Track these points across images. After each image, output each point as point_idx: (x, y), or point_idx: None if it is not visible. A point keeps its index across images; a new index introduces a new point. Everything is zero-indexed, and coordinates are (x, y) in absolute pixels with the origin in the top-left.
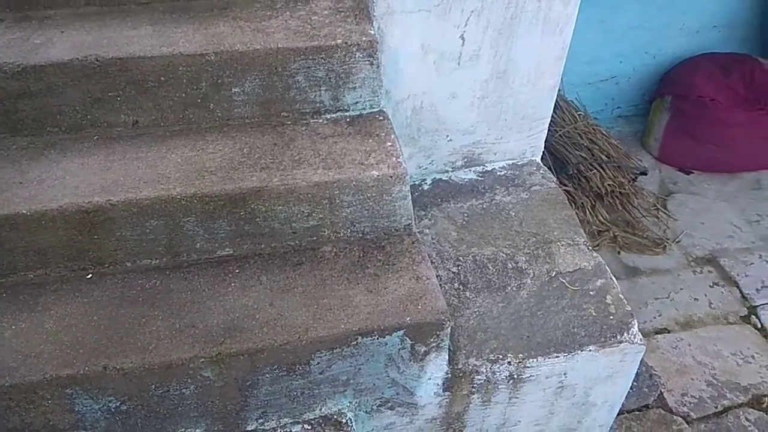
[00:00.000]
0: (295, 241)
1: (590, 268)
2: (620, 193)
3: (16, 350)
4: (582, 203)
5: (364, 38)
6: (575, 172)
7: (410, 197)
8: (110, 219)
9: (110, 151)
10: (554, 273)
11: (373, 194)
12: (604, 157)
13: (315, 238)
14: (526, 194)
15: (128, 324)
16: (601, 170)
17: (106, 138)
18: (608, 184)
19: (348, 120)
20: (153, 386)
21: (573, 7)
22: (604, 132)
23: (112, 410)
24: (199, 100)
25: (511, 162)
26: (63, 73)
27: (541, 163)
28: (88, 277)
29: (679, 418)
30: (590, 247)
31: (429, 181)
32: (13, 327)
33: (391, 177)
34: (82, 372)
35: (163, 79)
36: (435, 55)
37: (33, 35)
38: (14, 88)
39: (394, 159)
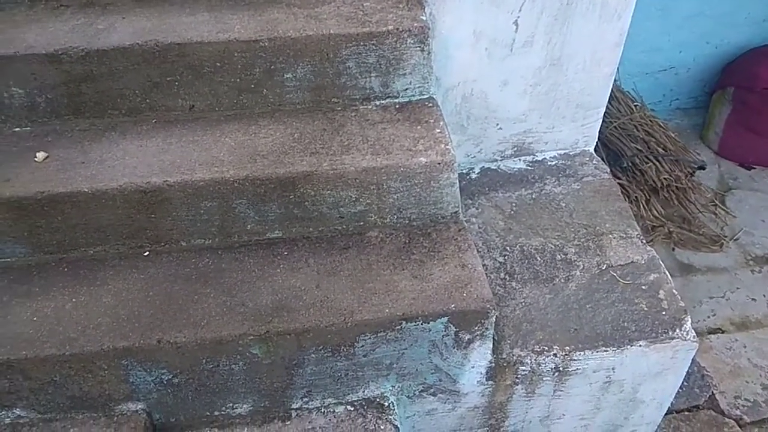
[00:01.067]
0: (342, 226)
1: (643, 262)
2: (677, 187)
3: (75, 322)
4: (636, 197)
5: (415, 24)
6: (630, 164)
7: (458, 185)
8: (167, 199)
9: (167, 134)
10: (605, 266)
11: (421, 181)
12: (660, 150)
13: (362, 223)
14: (578, 185)
15: (181, 300)
16: (657, 163)
17: (164, 121)
18: (664, 178)
19: (397, 106)
20: (204, 361)
21: None
22: (662, 124)
23: (165, 382)
24: (252, 86)
25: (562, 152)
26: (124, 58)
27: (594, 154)
28: (145, 254)
29: (731, 421)
30: (643, 241)
31: (477, 170)
32: (73, 300)
33: (439, 164)
34: (137, 344)
35: (218, 64)
36: (487, 42)
37: (96, 21)
38: (78, 72)
39: (442, 146)
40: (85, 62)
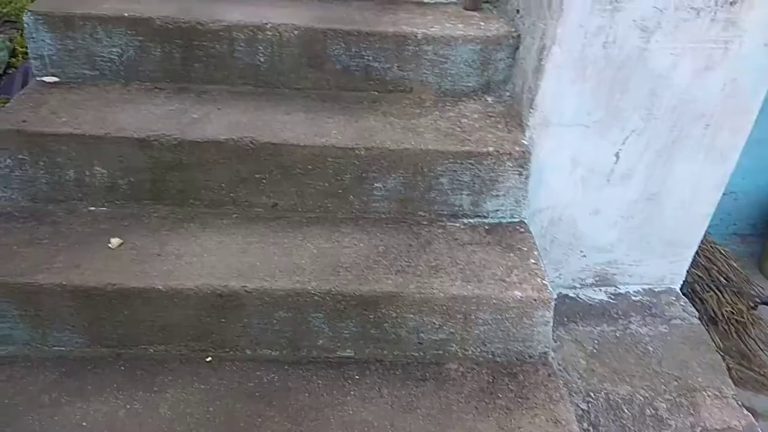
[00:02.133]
0: (420, 353)
1: (740, 428)
2: (737, 320)
3: None
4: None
5: (516, 148)
6: (689, 291)
7: (551, 324)
8: (242, 305)
9: (248, 232)
10: (699, 429)
11: (512, 316)
12: (722, 280)
13: (441, 352)
14: (665, 327)
15: (243, 423)
16: (718, 293)
17: (245, 217)
18: (726, 310)
19: (486, 227)
20: None
21: (742, 137)
22: (724, 252)
23: None
24: (339, 191)
25: (647, 287)
26: (216, 151)
27: (680, 293)
28: (208, 360)
29: None
30: (740, 403)
31: (554, 296)
32: (128, 406)
33: (534, 300)
34: None
35: (310, 167)
36: (584, 170)
37: (191, 109)
38: (167, 160)
39: (539, 280)
40: (176, 151)
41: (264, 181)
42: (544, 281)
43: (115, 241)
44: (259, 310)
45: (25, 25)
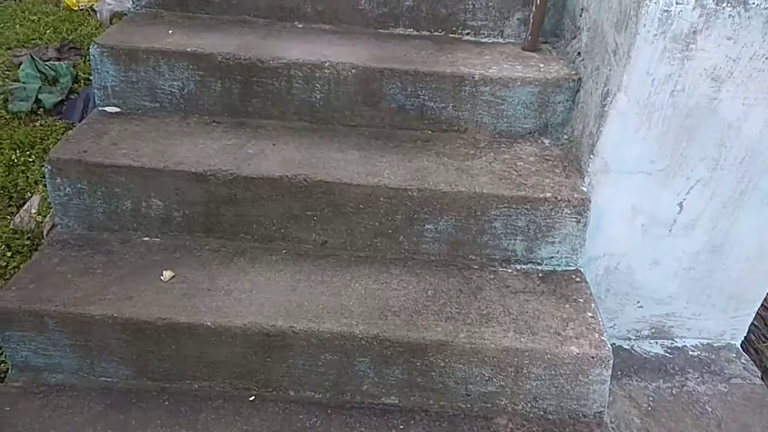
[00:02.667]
0: (467, 404)
1: None
2: None
3: None
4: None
5: (575, 195)
6: (744, 341)
7: (608, 383)
8: (288, 345)
9: (297, 269)
10: None
11: (567, 372)
12: None
13: (489, 405)
14: (725, 386)
15: None
16: None
17: (294, 253)
18: None
19: (540, 275)
20: None
21: None
22: None
23: None
24: (390, 231)
25: (706, 342)
26: (270, 188)
27: (741, 350)
28: (251, 399)
29: None
30: None
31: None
32: None
33: (592, 358)
34: None
35: (361, 206)
36: (645, 219)
37: (247, 144)
38: (222, 194)
39: (597, 336)
40: (231, 186)
41: (315, 218)
42: (602, 337)
43: (167, 274)
44: (305, 352)
45: (91, 57)
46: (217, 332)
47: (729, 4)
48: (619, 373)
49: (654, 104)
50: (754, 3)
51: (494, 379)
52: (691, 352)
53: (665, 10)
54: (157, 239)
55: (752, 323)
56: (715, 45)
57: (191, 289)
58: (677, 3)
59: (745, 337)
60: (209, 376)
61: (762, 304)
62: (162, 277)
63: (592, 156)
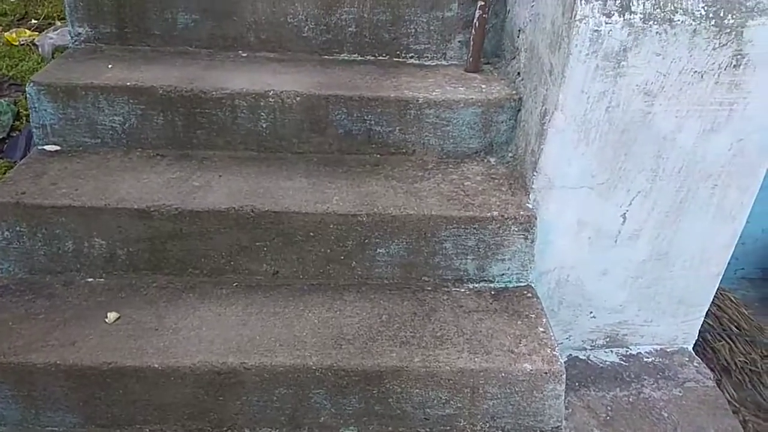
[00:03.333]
0: (426, 429)
1: None
2: (750, 370)
3: None
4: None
5: (521, 212)
6: (700, 340)
7: (563, 397)
8: (240, 382)
9: (248, 302)
10: None
11: (522, 389)
12: (734, 328)
13: (449, 428)
14: (680, 391)
15: None
16: (730, 342)
17: (245, 286)
18: (739, 360)
19: (493, 293)
20: None
21: (750, 196)
22: (734, 299)
23: None
24: (342, 257)
25: (659, 347)
26: (217, 221)
27: (694, 354)
28: None
29: None
30: None
31: (564, 359)
32: None
33: (545, 373)
34: None
35: (311, 234)
36: (591, 231)
37: (192, 176)
38: (167, 229)
39: (549, 351)
40: (176, 221)
41: (265, 249)
42: (554, 352)
43: (112, 316)
44: (259, 388)
45: (28, 96)
46: (165, 374)
47: (655, 22)
48: (576, 384)
49: (590, 121)
50: (679, 20)
51: (451, 402)
52: (645, 359)
53: (595, 30)
54: (102, 279)
55: (707, 323)
56: (645, 61)
57: (137, 330)
58: (606, 23)
59: (701, 338)
60: (160, 419)
61: (716, 305)
62: (107, 319)
63: (535, 173)
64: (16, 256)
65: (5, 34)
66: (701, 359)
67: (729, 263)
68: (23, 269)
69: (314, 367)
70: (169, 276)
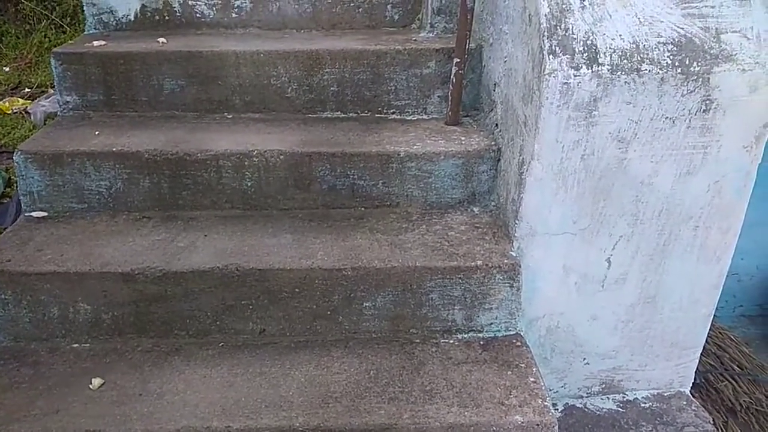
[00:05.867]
0: None
1: None
2: (756, 410)
3: None
4: (713, 419)
5: (505, 261)
6: (702, 381)
7: None
8: None
9: (234, 362)
10: None
11: None
12: (736, 368)
13: None
14: None
15: None
16: (733, 383)
17: (231, 346)
18: (744, 400)
19: (482, 343)
20: None
21: (732, 235)
22: (733, 338)
23: None
24: (328, 313)
25: (656, 392)
26: (202, 281)
27: (692, 397)
28: None
29: None
30: None
31: (560, 407)
32: None
33: (537, 425)
34: None
35: (297, 290)
36: (577, 277)
37: (177, 237)
38: (152, 292)
39: (540, 401)
40: (160, 283)
41: (250, 307)
42: (545, 402)
43: (96, 382)
44: None
45: (15, 164)
46: None
47: (623, 72)
48: None
49: (567, 169)
50: (646, 69)
51: None
52: (642, 404)
53: (564, 83)
54: (87, 345)
55: (709, 363)
56: (616, 110)
57: (121, 396)
58: (575, 75)
59: (704, 378)
60: None
61: (716, 344)
62: (91, 386)
63: (517, 221)
64: (1, 323)
65: None
66: (705, 400)
67: (726, 301)
68: (8, 337)
69: (301, 428)
70: (155, 339)
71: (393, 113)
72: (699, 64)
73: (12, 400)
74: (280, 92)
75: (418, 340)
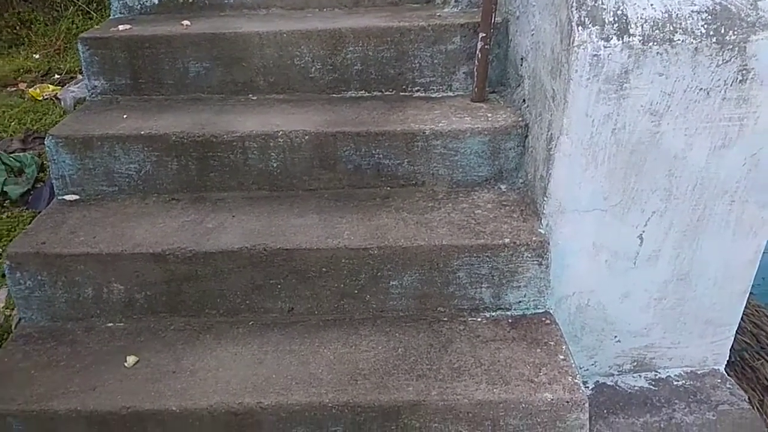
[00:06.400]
0: None
1: None
2: None
3: None
4: (749, 397)
5: (533, 238)
6: (738, 359)
7: (587, 426)
8: (257, 422)
9: (264, 340)
10: None
11: (544, 420)
12: None
13: None
14: (713, 414)
15: None
16: None
17: (261, 324)
18: None
19: (510, 321)
20: None
21: None
22: None
23: None
24: (356, 291)
25: (689, 370)
26: (231, 261)
27: (726, 375)
28: None
29: None
30: None
31: (591, 385)
32: None
33: (567, 402)
34: None
35: (324, 270)
36: (608, 254)
37: (206, 218)
38: (182, 272)
39: (570, 379)
40: (190, 263)
41: (279, 286)
42: (575, 380)
43: (131, 359)
44: (275, 427)
45: (47, 148)
46: (182, 416)
47: (655, 43)
48: (605, 411)
49: (597, 144)
50: (679, 39)
51: None
52: (675, 382)
53: (594, 55)
54: (121, 324)
55: (744, 341)
56: (648, 82)
57: (156, 373)
58: (605, 47)
59: (739, 356)
60: None
61: (752, 322)
62: (126, 364)
63: (545, 198)
64: (38, 304)
65: (29, 90)
66: (740, 379)
67: (763, 278)
68: (45, 317)
69: (330, 404)
70: (186, 318)
71: (418, 91)
72: (735, 32)
73: (50, 378)
74: (304, 72)
75: (445, 319)
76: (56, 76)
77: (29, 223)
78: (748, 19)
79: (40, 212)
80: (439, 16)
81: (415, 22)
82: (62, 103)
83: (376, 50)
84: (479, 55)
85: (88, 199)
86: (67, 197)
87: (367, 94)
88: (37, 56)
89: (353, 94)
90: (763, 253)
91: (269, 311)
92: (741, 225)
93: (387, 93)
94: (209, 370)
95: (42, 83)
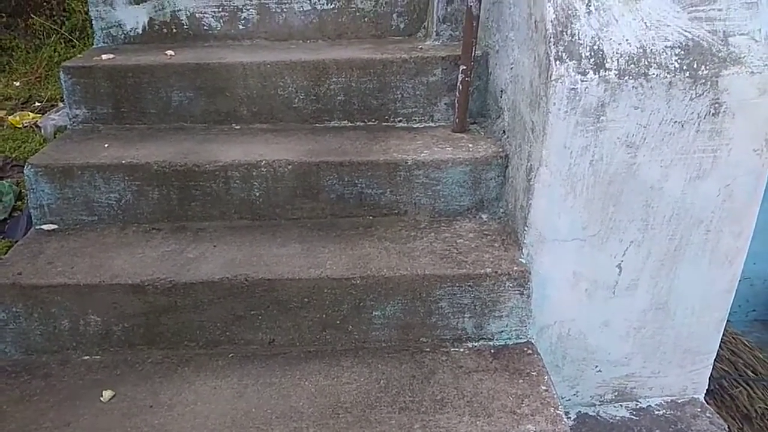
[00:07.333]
0: None
1: None
2: None
3: None
4: (728, 426)
5: (515, 267)
6: (717, 387)
7: None
8: None
9: (244, 373)
10: None
11: None
12: (750, 373)
13: None
14: None
15: None
16: (748, 389)
17: (241, 356)
18: (759, 407)
19: (492, 351)
20: None
21: (744, 239)
22: (747, 343)
23: None
24: (338, 322)
25: (669, 399)
26: (211, 291)
27: (706, 404)
28: None
29: None
30: None
31: (573, 416)
32: None
33: None
34: None
35: (306, 300)
36: (587, 283)
37: (187, 248)
38: (161, 303)
39: (552, 410)
40: (170, 294)
41: (260, 317)
42: (557, 411)
43: (107, 394)
44: None
45: (26, 178)
46: None
47: (631, 77)
48: None
49: (576, 175)
50: (653, 74)
51: None
52: (656, 412)
53: (572, 89)
54: (98, 357)
55: (723, 369)
56: (624, 115)
57: (132, 408)
58: (582, 81)
59: (718, 384)
60: None
61: (729, 349)
62: (102, 398)
63: (526, 228)
64: (12, 336)
65: (9, 117)
66: (719, 407)
67: (739, 306)
68: (19, 350)
69: None
70: (165, 350)
71: (400, 121)
72: (707, 67)
73: (23, 413)
74: (287, 102)
75: (428, 349)
76: (37, 103)
77: (5, 253)
78: (720, 54)
79: (16, 241)
80: (421, 48)
81: (398, 54)
82: (42, 131)
83: (359, 81)
84: (460, 87)
85: (67, 229)
86: (45, 227)
87: (350, 124)
88: (17, 84)
89: (336, 124)
90: (738, 281)
91: (250, 343)
92: (717, 254)
93: (370, 123)
94: (187, 405)
95: (22, 111)
